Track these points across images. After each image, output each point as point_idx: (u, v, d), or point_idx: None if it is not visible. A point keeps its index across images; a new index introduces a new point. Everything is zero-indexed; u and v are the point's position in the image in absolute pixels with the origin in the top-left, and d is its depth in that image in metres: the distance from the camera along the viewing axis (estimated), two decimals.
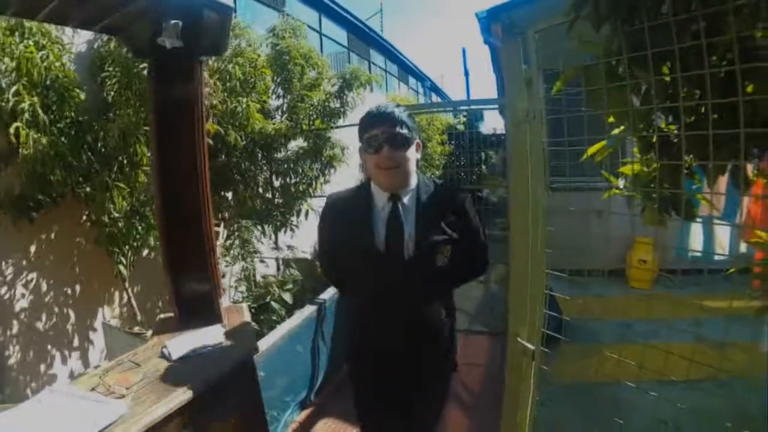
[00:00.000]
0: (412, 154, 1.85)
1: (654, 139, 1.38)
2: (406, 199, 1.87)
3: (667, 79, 1.29)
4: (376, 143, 1.78)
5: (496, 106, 7.54)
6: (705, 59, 1.14)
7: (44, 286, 4.27)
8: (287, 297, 4.48)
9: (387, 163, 1.78)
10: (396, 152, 1.78)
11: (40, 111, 3.55)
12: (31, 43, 3.62)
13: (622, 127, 1.52)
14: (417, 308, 1.89)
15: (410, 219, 1.84)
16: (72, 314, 4.52)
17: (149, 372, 1.96)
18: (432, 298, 1.94)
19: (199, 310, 2.41)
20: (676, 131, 1.34)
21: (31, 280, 4.18)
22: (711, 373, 1.40)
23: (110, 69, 4.17)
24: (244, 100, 4.75)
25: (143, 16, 2.16)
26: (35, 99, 3.55)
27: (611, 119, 1.52)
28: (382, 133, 1.77)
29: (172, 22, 2.04)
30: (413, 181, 1.90)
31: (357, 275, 1.96)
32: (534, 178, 1.80)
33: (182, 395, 1.80)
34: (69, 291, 4.49)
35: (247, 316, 2.52)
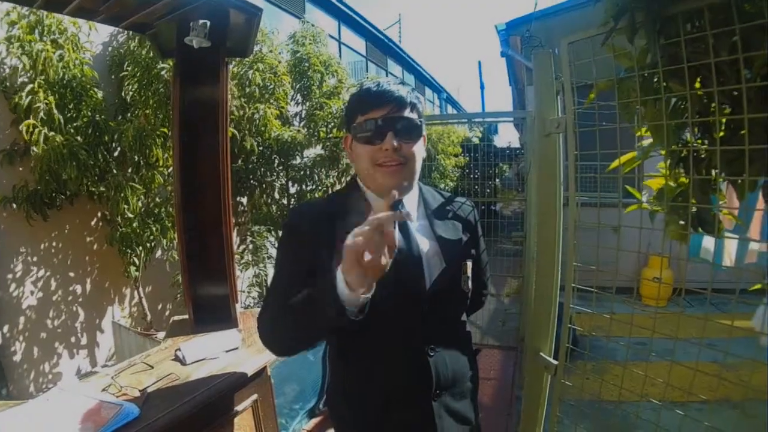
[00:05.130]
0: (421, 150, 1.36)
1: (683, 153, 1.35)
2: (412, 209, 1.41)
3: (700, 93, 1.27)
4: (375, 129, 1.28)
5: (512, 119, 7.53)
6: (742, 73, 1.13)
7: (53, 284, 4.27)
8: None
9: (391, 156, 1.27)
10: (403, 143, 1.28)
11: (55, 110, 3.58)
12: (48, 41, 3.65)
13: (650, 140, 1.49)
14: (448, 358, 1.36)
15: (423, 232, 1.39)
16: (81, 312, 4.51)
17: (162, 375, 1.92)
18: (462, 342, 1.47)
19: (214, 313, 2.38)
20: (706, 146, 1.32)
21: (41, 276, 4.18)
22: (724, 394, 1.37)
23: (129, 69, 4.19)
24: (263, 106, 4.74)
25: (171, 15, 2.15)
26: (50, 98, 3.57)
27: (642, 131, 1.50)
28: (385, 116, 1.28)
29: (201, 21, 2.02)
30: (416, 186, 1.44)
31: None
32: (562, 191, 1.77)
33: (195, 400, 1.77)
34: (79, 289, 4.49)
35: None
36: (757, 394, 1.37)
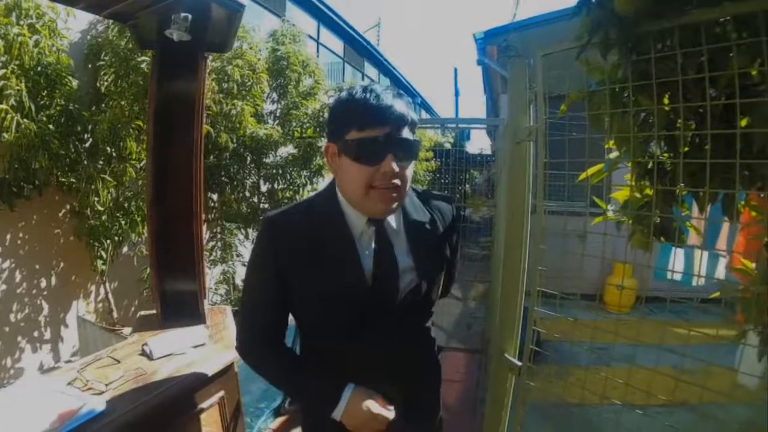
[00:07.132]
0: (412, 169, 1.28)
1: (650, 166, 1.40)
2: (392, 220, 1.33)
3: (667, 108, 1.32)
4: (374, 149, 1.16)
5: (485, 126, 7.62)
6: (707, 91, 1.18)
7: (18, 276, 4.17)
8: None
9: (392, 180, 1.18)
10: (401, 165, 1.19)
11: (26, 97, 3.49)
12: (24, 26, 3.56)
13: (617, 153, 1.55)
14: (415, 368, 1.41)
15: (401, 247, 1.32)
16: (46, 306, 4.41)
17: (129, 369, 1.90)
18: (428, 346, 1.47)
19: (182, 309, 2.36)
20: (671, 159, 1.37)
21: (5, 268, 4.07)
22: (683, 398, 1.43)
23: (106, 59, 4.13)
24: (240, 103, 4.71)
25: (152, 6, 2.13)
26: (22, 85, 3.49)
27: (610, 144, 1.55)
28: (386, 135, 1.15)
29: (182, 14, 2.01)
30: None
31: (327, 331, 1.33)
32: (530, 197, 1.82)
33: (161, 396, 1.76)
34: (44, 282, 4.38)
35: (230, 319, 2.47)
36: (713, 396, 1.42)
